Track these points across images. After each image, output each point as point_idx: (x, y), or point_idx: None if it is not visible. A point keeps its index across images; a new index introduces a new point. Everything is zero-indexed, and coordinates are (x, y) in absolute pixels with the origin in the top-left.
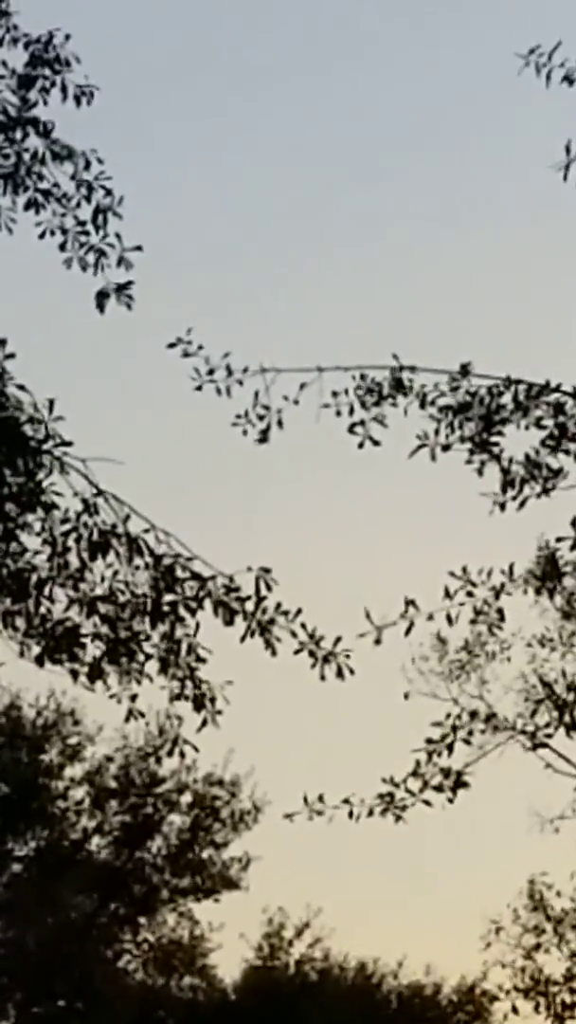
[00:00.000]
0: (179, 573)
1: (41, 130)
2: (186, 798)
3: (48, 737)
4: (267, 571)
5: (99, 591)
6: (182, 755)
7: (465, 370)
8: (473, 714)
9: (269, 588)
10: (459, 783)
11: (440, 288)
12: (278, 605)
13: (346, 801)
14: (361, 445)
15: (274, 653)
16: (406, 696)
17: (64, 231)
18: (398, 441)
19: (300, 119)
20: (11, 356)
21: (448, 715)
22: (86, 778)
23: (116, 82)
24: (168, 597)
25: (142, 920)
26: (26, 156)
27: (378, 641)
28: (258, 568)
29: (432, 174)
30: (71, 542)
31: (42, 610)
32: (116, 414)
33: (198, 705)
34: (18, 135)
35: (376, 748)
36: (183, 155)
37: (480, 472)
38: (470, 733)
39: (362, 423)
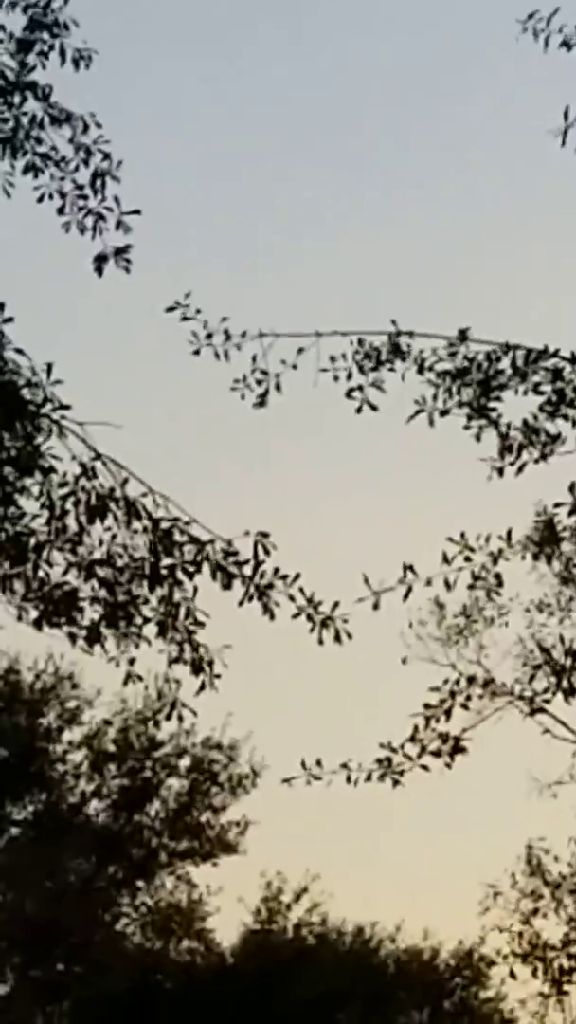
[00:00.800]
0: (177, 537)
1: (39, 94)
2: (184, 762)
3: (46, 701)
4: (265, 535)
5: (97, 555)
6: (180, 719)
7: (463, 335)
8: (471, 679)
9: (267, 552)
10: (457, 748)
11: (439, 253)
12: (276, 569)
13: (344, 766)
14: (359, 410)
15: (272, 617)
16: (404, 661)
17: (62, 195)
18: (396, 406)
19: (298, 83)
20: (9, 320)
21: (446, 680)
22: (84, 742)
23: (114, 45)
24: (166, 561)
25: (140, 884)
26: (24, 120)
27: (376, 606)
28: (256, 532)
29: (429, 140)
30: (69, 506)
31: (40, 574)
32: (114, 378)
33: (196, 669)
34: (16, 99)
35: (374, 713)
36: (182, 119)
37: (478, 438)
38: (468, 698)
39: (360, 388)
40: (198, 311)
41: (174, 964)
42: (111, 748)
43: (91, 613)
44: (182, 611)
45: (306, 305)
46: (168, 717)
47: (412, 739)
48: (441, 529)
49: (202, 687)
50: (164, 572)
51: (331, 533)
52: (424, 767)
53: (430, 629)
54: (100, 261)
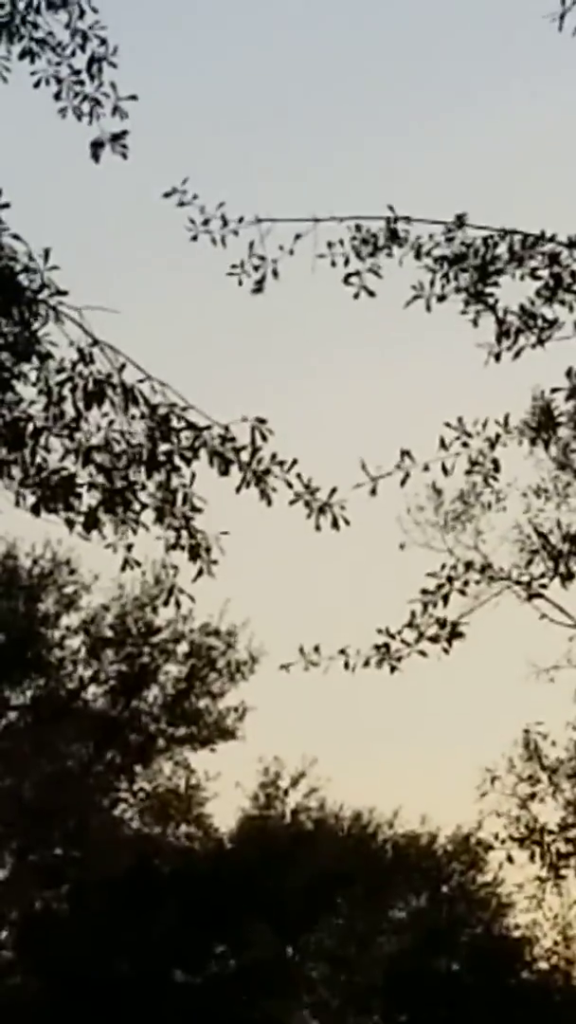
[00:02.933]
0: (174, 423)
1: None
2: (182, 648)
3: (44, 586)
4: (262, 421)
5: (95, 441)
6: (178, 605)
7: (460, 221)
8: (468, 565)
9: (264, 438)
10: (454, 634)
11: (437, 138)
12: (273, 455)
13: (342, 652)
14: (356, 296)
15: (269, 503)
16: (402, 547)
17: (59, 80)
18: (394, 292)
19: None
20: (6, 206)
21: (443, 566)
22: (82, 627)
23: None
24: (164, 447)
25: (138, 769)
26: (20, 4)
27: (374, 492)
28: (253, 418)
29: (425, 21)
30: (66, 392)
31: (38, 460)
32: (112, 264)
33: (194, 555)
34: None
35: (372, 599)
36: (179, 3)
37: (475, 323)
38: (465, 584)
39: (357, 274)
40: (195, 197)
41: (172, 849)
42: (109, 633)
43: (89, 499)
44: (179, 497)
45: (303, 190)
46: (166, 603)
47: (410, 625)
48: (438, 415)
49: (200, 573)
50: (162, 458)
51: (328, 419)
52: (422, 653)
53: (427, 515)
54: (97, 147)
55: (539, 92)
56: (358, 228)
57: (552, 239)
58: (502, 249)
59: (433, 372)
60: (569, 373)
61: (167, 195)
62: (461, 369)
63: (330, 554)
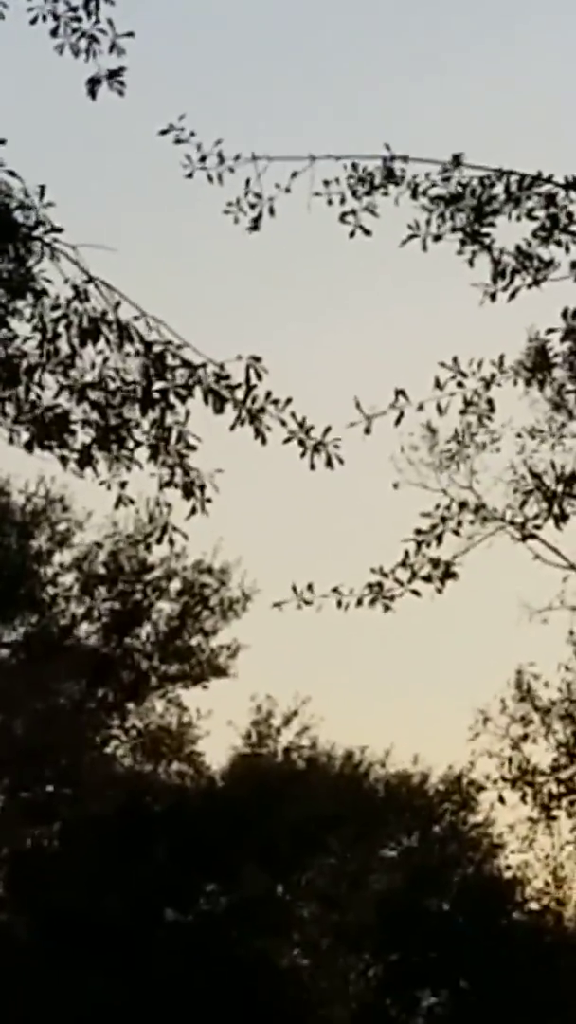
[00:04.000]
0: (169, 360)
1: None
2: (175, 585)
3: (37, 523)
4: (257, 359)
5: (89, 378)
6: (171, 542)
7: (457, 160)
8: (462, 505)
9: (259, 376)
10: (448, 574)
11: (436, 77)
12: (268, 394)
13: (335, 590)
14: (352, 234)
15: (264, 442)
16: (396, 486)
17: (56, 16)
18: (390, 232)
19: None
20: (2, 142)
21: (437, 505)
22: (75, 564)
23: None
24: (158, 384)
25: (130, 706)
26: None
27: (368, 431)
28: (248, 356)
29: None
30: (61, 328)
31: (32, 396)
32: (108, 201)
33: (187, 493)
34: None
35: (365, 538)
36: None
37: (471, 263)
38: (459, 524)
39: (353, 212)
40: (192, 134)
41: (164, 787)
42: (102, 571)
43: (83, 436)
44: (174, 435)
45: (300, 128)
46: (159, 540)
47: (403, 564)
48: (433, 354)
49: (193, 511)
50: (156, 396)
51: (323, 358)
52: (415, 592)
53: (422, 454)
54: (94, 84)
55: (537, 33)
56: (355, 167)
57: (549, 180)
58: (498, 189)
59: (429, 312)
60: (565, 314)
61: (163, 132)
62: (457, 309)
63: (324, 493)
